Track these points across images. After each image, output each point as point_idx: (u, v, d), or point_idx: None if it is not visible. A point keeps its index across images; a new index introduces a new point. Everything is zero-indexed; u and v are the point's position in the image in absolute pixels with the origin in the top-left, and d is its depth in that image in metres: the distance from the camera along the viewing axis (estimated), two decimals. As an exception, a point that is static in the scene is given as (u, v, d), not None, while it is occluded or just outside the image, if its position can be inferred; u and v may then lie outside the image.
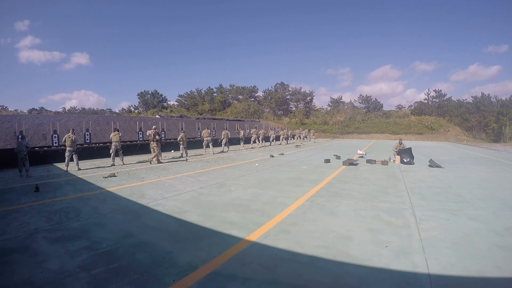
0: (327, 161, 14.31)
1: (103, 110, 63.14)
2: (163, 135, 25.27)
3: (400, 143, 14.73)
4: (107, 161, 15.66)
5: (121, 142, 14.57)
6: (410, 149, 14.27)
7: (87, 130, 18.11)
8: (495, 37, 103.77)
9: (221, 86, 67.42)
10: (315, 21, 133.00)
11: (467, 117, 56.96)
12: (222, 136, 22.35)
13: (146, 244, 4.65)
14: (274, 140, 32.75)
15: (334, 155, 16.61)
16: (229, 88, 67.45)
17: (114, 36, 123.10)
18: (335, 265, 3.72)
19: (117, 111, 61.54)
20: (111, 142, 14.33)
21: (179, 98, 67.16)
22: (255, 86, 67.16)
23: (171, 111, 53.19)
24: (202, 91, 66.35)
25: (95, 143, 18.81)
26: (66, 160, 12.52)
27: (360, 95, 70.61)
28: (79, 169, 12.70)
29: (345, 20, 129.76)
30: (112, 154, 14.33)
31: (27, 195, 8.21)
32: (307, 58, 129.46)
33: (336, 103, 70.36)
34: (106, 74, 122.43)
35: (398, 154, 14.03)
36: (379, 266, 3.65)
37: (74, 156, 12.74)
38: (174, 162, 15.79)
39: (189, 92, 67.02)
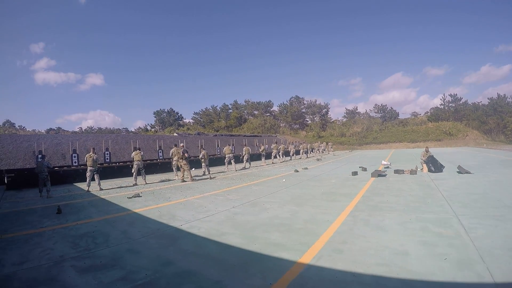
0: (355, 173, 13.70)
1: (119, 129, 63.70)
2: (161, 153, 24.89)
3: (427, 151, 13.98)
4: (128, 181, 15.10)
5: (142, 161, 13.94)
6: (433, 156, 13.74)
7: (107, 149, 17.70)
8: (505, 36, 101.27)
9: (236, 102, 67.54)
10: (324, 32, 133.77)
11: (484, 120, 55.40)
12: (244, 152, 21.63)
13: (190, 273, 3.88)
14: (294, 155, 31.89)
15: (359, 167, 15.98)
16: (244, 104, 67.42)
17: (126, 59, 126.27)
18: (401, 283, 3.40)
19: (133, 130, 62.03)
20: (132, 161, 13.77)
21: (194, 115, 67.47)
22: (270, 101, 67.04)
23: (188, 128, 53.17)
24: (218, 107, 66.55)
25: (115, 162, 18.35)
26: (87, 180, 11.98)
27: (376, 104, 69.50)
28: (101, 189, 12.14)
29: (354, 31, 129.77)
30: (134, 173, 13.75)
31: (49, 217, 7.58)
32: (318, 70, 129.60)
33: (352, 114, 69.27)
34: (121, 94, 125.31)
35: (425, 163, 13.53)
36: (446, 280, 3.42)
37: (95, 176, 12.20)
38: (198, 180, 15.06)
39: (204, 110, 67.24)
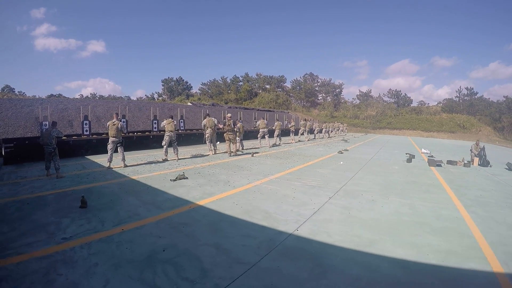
0: (409, 160, 12.67)
1: (121, 97, 59.85)
2: (193, 125, 21.74)
3: (478, 144, 13.61)
4: (150, 154, 12.42)
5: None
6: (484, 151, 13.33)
7: (123, 117, 14.66)
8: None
9: (247, 75, 63.69)
10: (335, 17, 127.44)
11: (497, 117, 53.70)
12: (275, 127, 18.76)
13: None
14: (318, 133, 29.24)
15: (406, 154, 14.79)
16: (255, 77, 63.64)
17: (130, 25, 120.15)
18: None
19: (134, 98, 58.49)
20: (160, 131, 10.90)
21: (202, 86, 63.76)
22: (283, 76, 63.26)
23: (199, 99, 49.76)
24: (228, 79, 62.76)
25: (133, 132, 15.41)
26: (108, 153, 9.12)
27: (390, 89, 66.11)
28: (126, 166, 9.30)
29: (365, 16, 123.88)
30: (165, 146, 10.96)
31: (70, 214, 4.82)
32: (326, 52, 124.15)
33: (365, 97, 66.02)
34: (122, 62, 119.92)
35: (476, 156, 13.08)
36: None
37: (119, 149, 9.36)
38: (239, 157, 12.33)
39: (212, 80, 63.53)
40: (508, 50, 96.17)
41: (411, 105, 63.41)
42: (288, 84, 65.52)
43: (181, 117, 18.53)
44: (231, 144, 12.87)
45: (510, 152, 24.83)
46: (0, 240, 3.75)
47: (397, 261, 3.45)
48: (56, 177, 7.68)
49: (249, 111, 36.34)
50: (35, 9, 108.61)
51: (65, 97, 56.17)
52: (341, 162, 11.47)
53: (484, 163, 12.37)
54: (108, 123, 9.29)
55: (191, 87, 62.26)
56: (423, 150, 16.83)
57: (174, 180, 7.45)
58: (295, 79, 64.99)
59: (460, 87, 64.82)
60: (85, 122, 13.13)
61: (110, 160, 9.14)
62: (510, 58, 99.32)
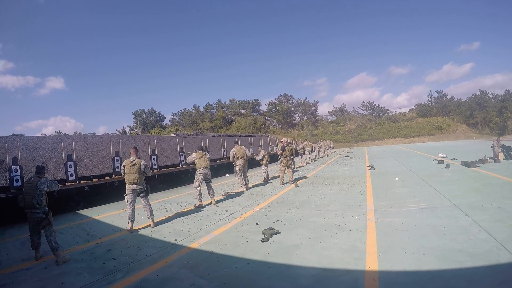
0: (447, 166, 12.19)
1: (86, 134, 54.49)
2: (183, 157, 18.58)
3: (498, 141, 13.83)
4: (165, 198, 9.27)
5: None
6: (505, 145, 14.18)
7: (116, 154, 11.29)
8: (467, 35, 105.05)
9: (220, 101, 61.12)
10: (289, 36, 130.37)
11: (470, 114, 56.92)
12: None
13: None
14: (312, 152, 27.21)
15: (433, 160, 14.95)
16: (229, 103, 61.17)
17: (88, 60, 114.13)
18: None
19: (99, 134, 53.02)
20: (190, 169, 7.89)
21: (173, 116, 60.05)
22: (257, 99, 61.55)
23: (177, 129, 46.10)
24: (200, 107, 59.74)
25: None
26: (128, 208, 5.91)
27: (363, 101, 66.95)
28: (155, 225, 6.04)
29: (320, 32, 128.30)
30: (198, 188, 7.79)
31: None
32: (285, 72, 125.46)
33: (340, 112, 66.09)
34: (82, 99, 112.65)
35: (501, 151, 13.45)
36: None
37: (143, 201, 6.13)
38: (282, 189, 9.61)
39: (183, 110, 60.13)
40: (459, 51, 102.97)
41: (386, 114, 64.41)
42: (263, 108, 63.94)
43: (181, 149, 15.33)
44: (287, 172, 10.97)
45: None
46: None
47: None
48: (55, 262, 4.33)
49: (233, 138, 33.71)
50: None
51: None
52: (396, 178, 10.26)
53: (507, 157, 13.11)
54: (124, 164, 6.08)
55: (164, 118, 58.57)
56: (439, 155, 16.36)
57: (265, 240, 4.71)
58: (270, 101, 63.60)
59: (431, 91, 67.70)
60: (69, 163, 9.61)
61: (132, 219, 5.89)
62: (461, 59, 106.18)
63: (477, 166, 11.55)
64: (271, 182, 11.61)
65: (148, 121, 54.56)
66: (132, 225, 5.85)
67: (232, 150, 10.15)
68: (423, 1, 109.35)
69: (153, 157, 12.84)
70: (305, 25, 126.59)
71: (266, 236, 4.83)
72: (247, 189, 10.15)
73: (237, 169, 9.99)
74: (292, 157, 11.40)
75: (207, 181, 8.05)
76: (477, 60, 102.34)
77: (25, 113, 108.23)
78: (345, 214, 6.00)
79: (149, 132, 48.05)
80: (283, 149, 10.90)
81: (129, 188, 5.92)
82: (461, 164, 12.37)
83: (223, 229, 5.61)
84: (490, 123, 54.76)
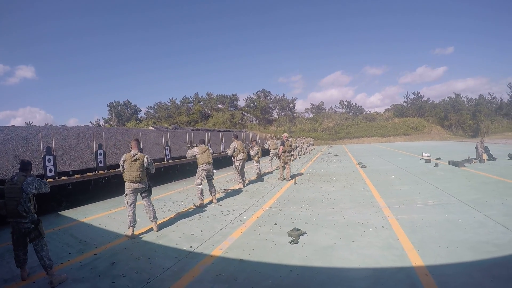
0: (436, 165, 12.48)
1: (57, 126, 51.23)
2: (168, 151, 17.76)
3: (482, 142, 14.40)
4: (155, 197, 8.25)
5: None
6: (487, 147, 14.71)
7: (100, 148, 10.28)
8: (442, 39, 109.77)
9: (197, 95, 59.53)
10: (266, 33, 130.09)
11: (445, 116, 59.12)
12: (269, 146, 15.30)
13: None
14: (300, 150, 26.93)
15: (421, 159, 15.53)
16: (206, 97, 59.76)
17: (60, 49, 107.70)
18: None
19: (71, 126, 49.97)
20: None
21: (148, 109, 57.81)
22: (235, 94, 60.54)
23: (154, 122, 44.27)
24: (177, 101, 57.88)
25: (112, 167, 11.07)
26: (128, 211, 5.12)
27: (341, 100, 67.91)
28: (159, 230, 5.31)
29: (296, 29, 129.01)
30: (200, 186, 7.08)
31: None
32: (261, 69, 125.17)
33: (318, 109, 66.62)
34: (53, 90, 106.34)
35: (484, 152, 13.88)
36: None
37: (145, 202, 5.32)
38: (283, 185, 9.08)
39: (159, 103, 58.03)
40: (433, 54, 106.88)
41: (363, 113, 65.61)
42: (241, 103, 63.09)
43: (166, 143, 14.41)
44: (286, 169, 10.60)
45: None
46: None
47: None
48: (49, 283, 3.43)
49: (213, 133, 32.82)
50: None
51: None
52: (393, 176, 10.21)
53: (491, 157, 13.65)
54: (123, 158, 5.22)
55: (140, 110, 56.25)
56: (424, 154, 16.51)
57: (295, 242, 4.34)
58: (248, 96, 62.87)
59: (407, 92, 70.05)
60: (47, 157, 8.53)
61: (133, 224, 5.09)
62: (436, 62, 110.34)
63: (465, 166, 11.85)
64: (262, 180, 11.15)
65: (124, 114, 52.17)
66: (133, 230, 5.06)
67: (232, 144, 9.48)
68: (400, 1, 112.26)
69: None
70: (282, 22, 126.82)
71: (294, 238, 4.45)
72: (244, 186, 9.58)
73: (237, 164, 9.35)
74: (291, 153, 10.98)
75: (209, 178, 7.36)
76: (451, 64, 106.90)
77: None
78: (362, 211, 5.87)
79: (125, 125, 45.90)
80: (282, 144, 10.56)
81: (129, 187, 5.10)
82: (449, 164, 12.67)
83: (240, 231, 5.07)
84: (464, 125, 57.04)
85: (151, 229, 5.35)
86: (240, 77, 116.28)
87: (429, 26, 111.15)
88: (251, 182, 10.64)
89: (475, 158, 13.50)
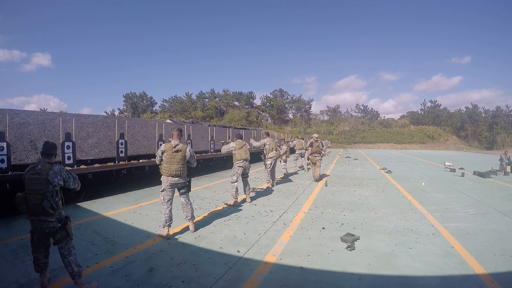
0: (463, 175, 12.18)
1: (73, 113, 51.34)
2: (190, 145, 17.09)
3: (506, 154, 14.23)
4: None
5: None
6: None
7: (122, 137, 9.63)
8: (459, 48, 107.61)
9: (213, 91, 59.08)
10: (283, 32, 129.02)
11: (461, 126, 58.03)
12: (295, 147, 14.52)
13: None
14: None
15: (445, 168, 14.88)
16: (222, 93, 59.26)
17: (77, 38, 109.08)
18: None
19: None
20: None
21: (163, 103, 57.59)
22: (252, 92, 59.85)
23: (170, 115, 43.98)
24: (193, 96, 57.54)
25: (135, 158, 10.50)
26: (164, 208, 4.45)
27: (357, 104, 66.63)
28: (195, 231, 4.65)
29: (314, 30, 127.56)
30: (236, 183, 6.44)
31: None
32: (276, 68, 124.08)
33: (333, 112, 65.49)
34: (68, 78, 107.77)
35: (508, 164, 13.64)
36: None
37: (183, 199, 4.64)
38: (317, 187, 8.41)
39: (174, 97, 57.76)
40: (450, 63, 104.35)
41: (378, 118, 64.40)
42: (257, 101, 62.44)
43: (188, 136, 13.76)
44: (316, 168, 10.35)
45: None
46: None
47: None
48: None
49: (228, 130, 32.27)
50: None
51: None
52: (423, 184, 9.96)
53: None
54: (162, 149, 4.50)
55: (156, 103, 56.11)
56: (446, 163, 16.23)
57: (352, 248, 4.03)
58: (265, 95, 62.08)
59: (424, 100, 68.59)
60: (67, 144, 7.92)
61: (169, 222, 4.39)
62: (451, 71, 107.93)
63: (491, 177, 11.76)
64: (289, 180, 10.64)
65: (139, 105, 52.05)
66: (168, 230, 4.36)
67: (263, 140, 8.78)
68: (419, 8, 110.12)
69: (160, 143, 11.25)
70: (299, 23, 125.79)
71: (349, 243, 4.15)
72: (273, 186, 8.90)
73: (268, 162, 8.66)
74: (322, 154, 10.45)
75: (244, 175, 6.68)
76: (467, 74, 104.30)
77: (8, 89, 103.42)
78: (406, 217, 5.62)
79: (139, 117, 45.74)
80: (311, 145, 10.55)
81: (167, 181, 4.40)
82: (474, 174, 12.52)
83: (287, 235, 4.55)
84: (480, 137, 55.96)
85: (186, 228, 4.68)
86: (256, 76, 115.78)
87: (446, 35, 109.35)
88: (278, 182, 10.04)
89: (498, 170, 13.40)
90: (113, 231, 4.63)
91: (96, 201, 6.90)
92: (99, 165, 8.21)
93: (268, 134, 9.22)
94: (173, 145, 4.41)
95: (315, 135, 11.17)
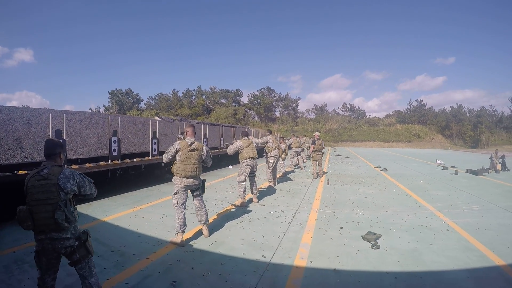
0: (456, 172, 12.50)
1: (59, 110, 49.50)
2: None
3: (497, 153, 14.79)
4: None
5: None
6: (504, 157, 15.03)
7: (114, 135, 9.10)
8: (444, 49, 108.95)
9: (200, 88, 58.21)
10: (269, 34, 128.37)
11: (446, 125, 58.99)
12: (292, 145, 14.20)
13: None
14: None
15: (437, 166, 15.32)
16: (209, 91, 58.47)
17: (60, 34, 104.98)
18: None
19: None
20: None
21: (148, 100, 56.33)
22: (239, 90, 59.26)
23: (157, 113, 43.01)
24: (180, 93, 56.51)
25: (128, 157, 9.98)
26: (178, 212, 4.08)
27: (344, 103, 67.08)
28: (209, 235, 4.31)
29: (299, 29, 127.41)
30: (244, 183, 6.11)
31: None
32: (262, 66, 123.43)
33: (320, 111, 65.82)
34: (52, 74, 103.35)
35: (499, 163, 14.30)
36: None
37: (197, 201, 4.27)
38: (319, 184, 8.21)
39: (160, 94, 56.64)
40: (434, 64, 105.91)
41: (365, 117, 65.18)
42: (244, 99, 61.95)
43: (205, 135, 13.39)
44: (317, 166, 10.50)
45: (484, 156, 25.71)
46: None
47: None
48: None
49: (216, 127, 31.91)
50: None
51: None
52: (421, 181, 10.15)
53: (504, 168, 14.14)
54: (177, 147, 4.08)
55: (142, 100, 54.79)
56: (438, 162, 16.53)
57: (377, 247, 4.01)
58: (252, 93, 61.68)
59: (410, 99, 69.65)
60: (62, 141, 7.37)
61: (183, 228, 4.01)
62: (436, 71, 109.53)
63: (483, 175, 12.21)
64: (289, 178, 10.50)
65: (125, 102, 50.70)
66: (182, 236, 3.98)
67: (265, 138, 8.50)
68: (405, 7, 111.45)
69: (153, 141, 10.78)
70: (284, 22, 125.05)
71: (372, 242, 4.16)
72: (274, 185, 8.65)
73: (271, 161, 8.37)
74: (322, 152, 10.37)
75: (251, 174, 6.37)
76: (450, 75, 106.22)
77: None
78: (417, 215, 5.74)
79: (125, 114, 44.59)
80: (313, 143, 10.55)
81: (181, 183, 4.02)
82: (467, 172, 12.91)
83: (308, 236, 4.43)
84: (465, 136, 57.06)
85: (197, 233, 4.32)
86: (243, 74, 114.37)
87: (431, 35, 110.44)
88: (278, 180, 9.79)
89: (489, 168, 13.93)
90: (118, 239, 4.21)
91: (92, 204, 6.41)
92: (92, 165, 7.69)
93: (270, 132, 8.96)
94: (189, 143, 4.04)
95: (317, 133, 11.20)
